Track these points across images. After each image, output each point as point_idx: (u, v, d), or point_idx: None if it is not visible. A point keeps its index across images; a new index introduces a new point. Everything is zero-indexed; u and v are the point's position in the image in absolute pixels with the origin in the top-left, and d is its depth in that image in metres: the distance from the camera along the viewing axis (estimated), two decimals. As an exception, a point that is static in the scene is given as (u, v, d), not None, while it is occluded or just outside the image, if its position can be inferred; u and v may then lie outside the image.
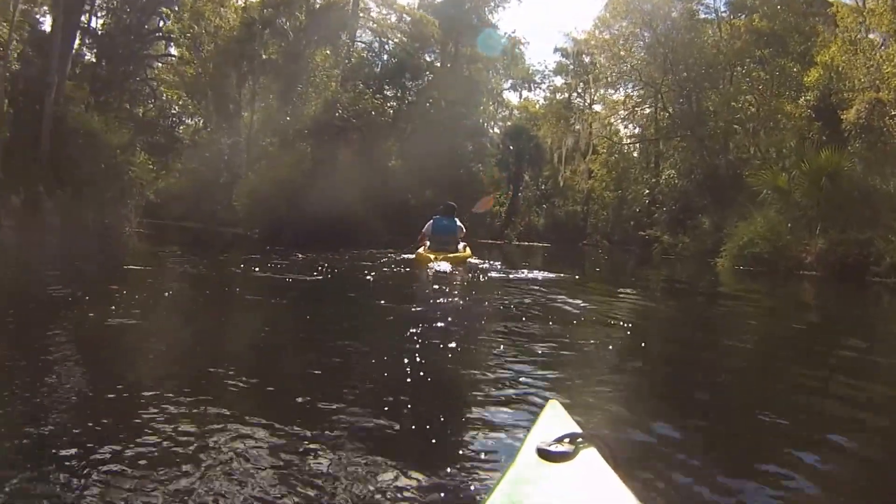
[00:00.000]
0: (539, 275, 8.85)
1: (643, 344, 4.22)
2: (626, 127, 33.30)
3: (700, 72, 22.49)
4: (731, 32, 22.58)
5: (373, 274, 7.83)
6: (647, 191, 27.39)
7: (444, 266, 8.35)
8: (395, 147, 26.92)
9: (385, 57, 21.06)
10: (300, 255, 9.50)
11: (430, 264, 8.53)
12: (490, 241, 25.26)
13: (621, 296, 7.69)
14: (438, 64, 26.18)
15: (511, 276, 8.69)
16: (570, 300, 5.93)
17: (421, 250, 9.06)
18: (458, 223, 9.55)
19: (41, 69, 14.00)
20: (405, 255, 9.76)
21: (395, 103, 22.26)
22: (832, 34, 18.39)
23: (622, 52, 26.04)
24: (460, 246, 9.55)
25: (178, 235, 15.64)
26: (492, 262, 10.49)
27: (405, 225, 21.48)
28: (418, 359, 3.10)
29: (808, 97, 18.50)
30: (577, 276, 10.23)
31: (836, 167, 13.22)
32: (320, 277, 7.12)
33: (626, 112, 29.64)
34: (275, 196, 14.25)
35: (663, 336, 4.84)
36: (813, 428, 2.51)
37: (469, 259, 9.53)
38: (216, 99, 19.47)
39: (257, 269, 7.51)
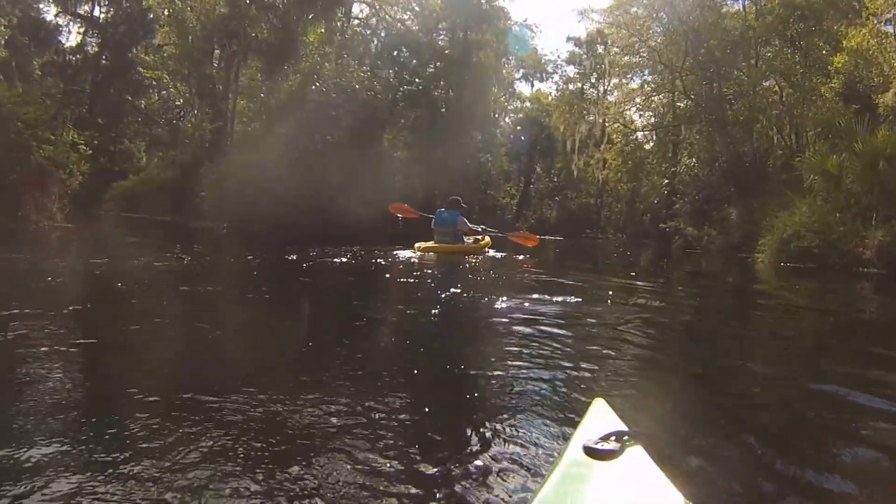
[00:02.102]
0: (561, 278, 7.93)
1: (689, 345, 4.06)
2: (641, 116, 31.22)
3: (726, 51, 20.26)
4: (759, 10, 20.28)
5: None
6: (666, 181, 25.19)
7: (423, 256, 8.37)
8: (402, 136, 25.08)
9: (382, 33, 18.89)
10: (184, 258, 7.33)
11: (414, 253, 8.60)
12: (500, 235, 23.27)
13: (660, 295, 6.94)
14: (447, 51, 24.17)
15: (523, 273, 7.92)
16: (606, 299, 5.71)
17: (430, 243, 8.95)
18: (460, 216, 9.16)
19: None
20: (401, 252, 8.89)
21: (396, 84, 20.20)
22: (857, 18, 16.62)
23: (638, 37, 23.89)
24: (470, 239, 9.32)
25: (114, 232, 12.78)
26: (508, 257, 9.81)
27: (408, 219, 19.63)
28: (454, 358, 3.00)
29: (833, 83, 16.73)
30: (608, 293, 8.26)
31: (895, 148, 11.12)
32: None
33: (643, 98, 27.43)
34: (246, 185, 12.08)
35: (711, 337, 4.43)
36: (870, 428, 2.27)
37: (487, 251, 9.38)
38: (199, 81, 17.63)
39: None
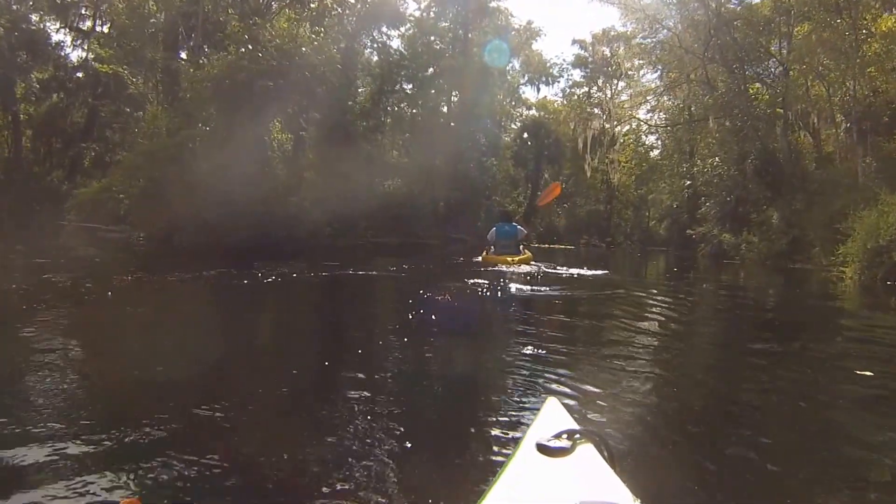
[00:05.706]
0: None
1: (660, 354, 3.50)
2: (653, 117, 27.66)
3: (758, 29, 16.69)
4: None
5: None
6: (688, 182, 21.53)
7: (522, 268, 8.06)
8: (401, 139, 22.00)
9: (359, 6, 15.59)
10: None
11: (505, 266, 8.12)
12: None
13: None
14: (443, 42, 21.03)
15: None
16: (611, 307, 5.20)
17: (489, 254, 8.70)
18: (519, 227, 9.01)
19: None
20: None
21: (379, 70, 16.87)
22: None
23: (652, 23, 20.38)
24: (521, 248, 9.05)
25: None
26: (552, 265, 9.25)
27: (400, 226, 16.28)
28: (423, 357, 2.96)
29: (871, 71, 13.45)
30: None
31: None
32: None
33: (657, 94, 23.83)
34: (164, 186, 8.72)
35: (690, 350, 3.74)
36: (816, 436, 2.12)
37: (531, 261, 9.01)
38: (155, 72, 14.61)
39: None
